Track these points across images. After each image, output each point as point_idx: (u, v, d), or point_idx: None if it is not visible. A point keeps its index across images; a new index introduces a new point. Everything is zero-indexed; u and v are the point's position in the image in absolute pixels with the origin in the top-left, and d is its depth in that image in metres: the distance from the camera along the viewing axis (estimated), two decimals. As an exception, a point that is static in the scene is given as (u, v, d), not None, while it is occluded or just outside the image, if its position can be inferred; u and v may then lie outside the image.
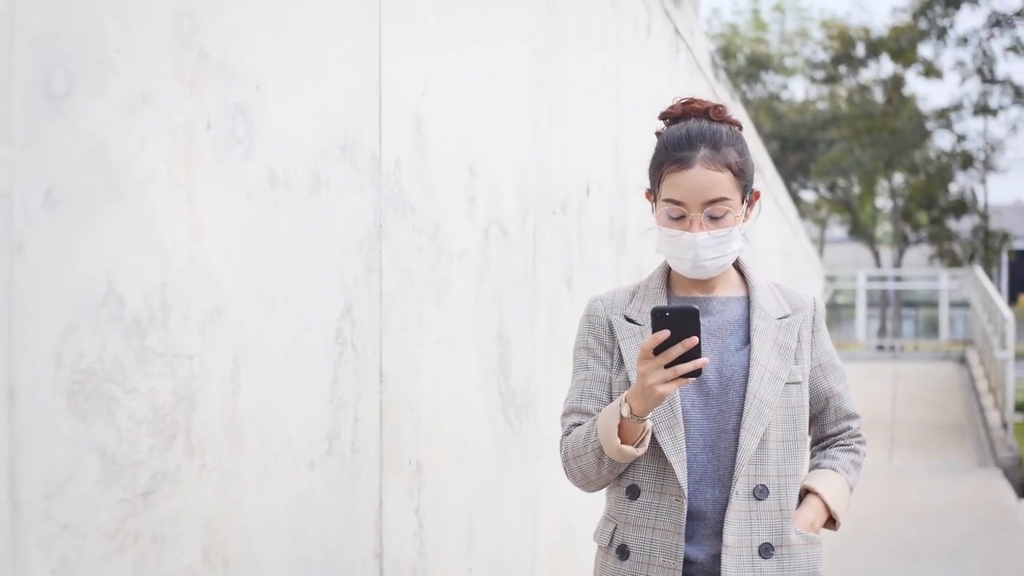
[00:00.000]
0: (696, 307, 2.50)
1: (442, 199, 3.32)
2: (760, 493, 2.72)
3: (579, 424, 2.80)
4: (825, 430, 2.96)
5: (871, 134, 38.19)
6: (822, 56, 42.70)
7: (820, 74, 42.88)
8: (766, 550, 2.71)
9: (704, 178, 2.68)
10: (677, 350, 2.48)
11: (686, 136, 2.72)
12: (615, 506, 2.82)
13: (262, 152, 2.40)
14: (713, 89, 8.61)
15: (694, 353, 2.49)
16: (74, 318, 1.87)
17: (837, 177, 42.07)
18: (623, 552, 2.77)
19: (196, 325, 2.18)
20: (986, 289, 22.93)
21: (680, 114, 2.80)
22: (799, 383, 2.79)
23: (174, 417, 2.12)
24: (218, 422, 2.26)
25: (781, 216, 16.44)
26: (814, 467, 2.96)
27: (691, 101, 2.81)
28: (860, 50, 40.40)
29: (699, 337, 2.48)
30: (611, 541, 2.81)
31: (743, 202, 2.77)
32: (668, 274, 2.87)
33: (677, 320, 2.48)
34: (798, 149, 41.44)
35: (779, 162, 34.75)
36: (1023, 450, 16.67)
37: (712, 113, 2.78)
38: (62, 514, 1.86)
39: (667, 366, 2.50)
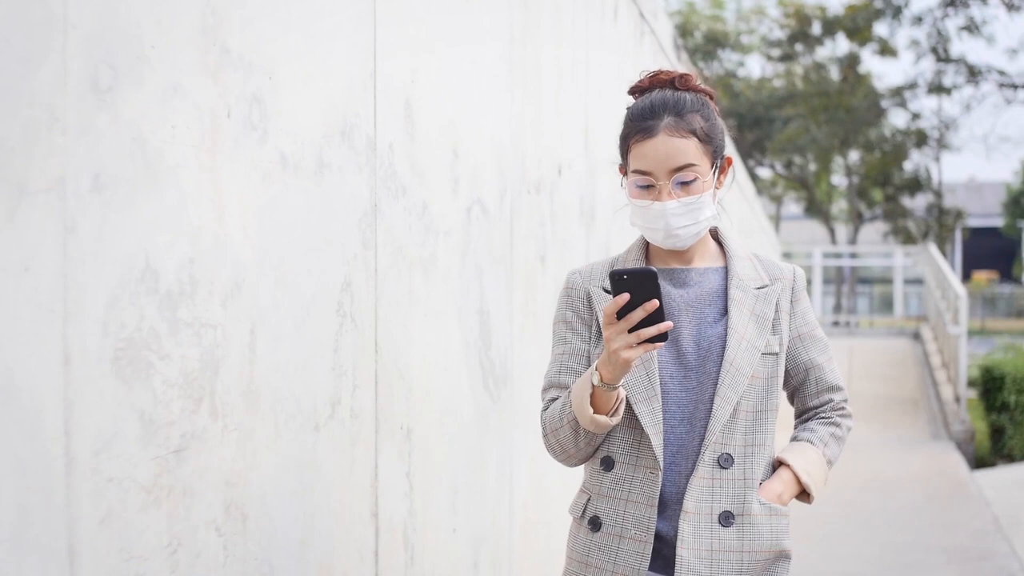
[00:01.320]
0: (654, 268, 2.45)
1: (429, 180, 3.52)
2: (725, 462, 2.69)
3: (557, 398, 2.79)
4: (807, 402, 2.93)
5: (827, 112, 38.58)
6: (778, 34, 43.05)
7: (776, 52, 43.22)
8: (726, 518, 2.69)
9: (668, 145, 2.65)
10: (638, 314, 2.44)
11: (649, 106, 2.70)
12: (590, 478, 2.81)
13: (274, 137, 2.59)
14: (675, 70, 8.80)
15: (658, 317, 2.45)
16: (117, 291, 2.06)
17: (793, 155, 42.50)
18: (595, 524, 2.76)
19: (219, 298, 2.38)
20: (939, 266, 23.27)
21: (647, 86, 2.79)
22: (775, 354, 2.77)
23: (200, 382, 2.32)
24: (237, 387, 2.45)
25: (740, 194, 16.67)
26: (792, 439, 2.92)
27: (657, 73, 2.80)
28: (816, 28, 40.81)
29: (660, 300, 2.44)
30: (584, 512, 2.80)
31: (713, 168, 2.73)
32: (647, 247, 2.85)
33: (636, 283, 2.44)
34: (754, 127, 41.77)
35: (736, 140, 35.04)
36: (976, 424, 17.03)
37: (678, 82, 2.76)
38: (108, 469, 2.05)
39: (631, 331, 2.47)
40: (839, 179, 47.27)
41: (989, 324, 42.52)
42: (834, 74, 41.33)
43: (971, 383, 18.43)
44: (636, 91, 2.81)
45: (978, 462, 15.51)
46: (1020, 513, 10.47)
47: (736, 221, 15.68)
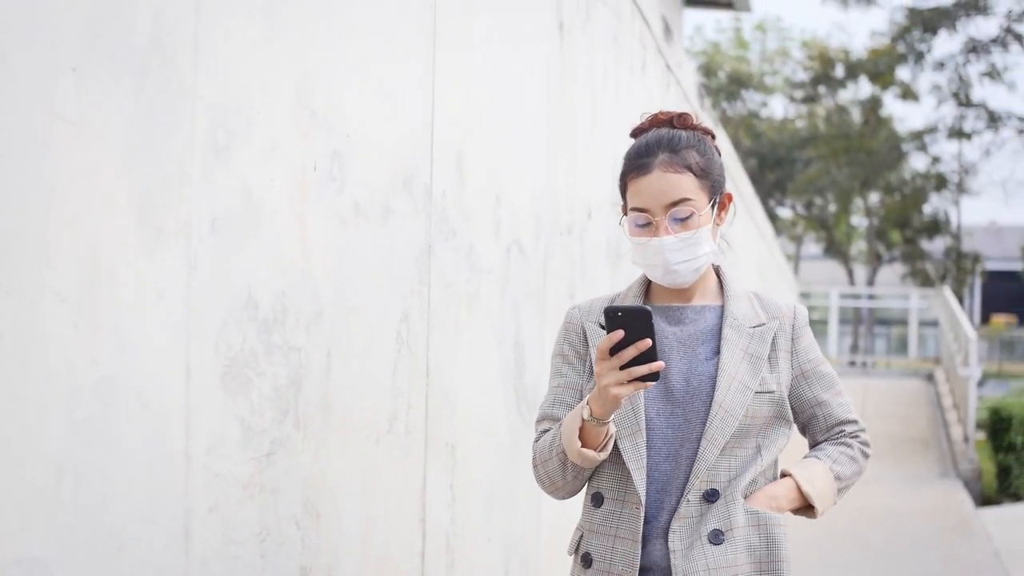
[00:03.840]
0: (648, 308, 2.46)
1: (475, 223, 3.92)
2: (711, 496, 2.67)
3: (549, 430, 2.79)
4: (816, 437, 2.89)
5: (848, 154, 38.95)
6: (802, 76, 43.45)
7: (799, 93, 43.60)
8: (716, 535, 2.65)
9: (663, 181, 2.65)
10: (630, 352, 2.44)
11: (645, 144, 2.72)
12: (583, 514, 2.81)
13: (350, 188, 2.99)
14: (698, 116, 9.22)
15: (651, 356, 2.46)
16: (226, 317, 2.47)
17: (813, 195, 42.80)
18: (587, 560, 2.75)
19: (303, 325, 2.78)
20: (952, 309, 23.61)
21: (647, 127, 2.79)
22: (771, 392, 2.73)
23: (287, 396, 2.72)
24: (316, 402, 2.85)
25: (758, 234, 17.05)
26: (802, 458, 2.88)
27: (657, 114, 2.81)
28: (839, 71, 41.21)
29: (653, 340, 2.45)
30: (577, 549, 2.80)
31: (711, 203, 2.72)
32: (648, 284, 2.85)
33: (630, 321, 2.45)
34: (776, 167, 42.13)
35: (757, 179, 35.37)
36: (984, 464, 17.34)
37: (676, 121, 2.76)
38: (216, 466, 2.45)
39: (623, 368, 2.47)
40: (859, 220, 47.57)
41: (1007, 368, 42.66)
42: (856, 117, 41.74)
43: (980, 425, 18.74)
44: (637, 132, 2.82)
45: (985, 500, 15.83)
46: (1020, 548, 10.86)
47: (754, 260, 16.05)
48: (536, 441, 2.82)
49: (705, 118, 9.72)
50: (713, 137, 2.82)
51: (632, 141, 2.83)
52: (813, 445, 2.90)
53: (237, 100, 2.50)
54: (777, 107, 61.11)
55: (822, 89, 42.25)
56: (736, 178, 13.16)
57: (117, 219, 2.13)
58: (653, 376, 2.48)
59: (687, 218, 2.66)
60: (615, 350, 2.46)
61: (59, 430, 1.99)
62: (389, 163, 3.24)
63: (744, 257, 14.03)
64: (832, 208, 44.80)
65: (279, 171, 2.66)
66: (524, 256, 4.46)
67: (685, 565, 2.64)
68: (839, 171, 38.96)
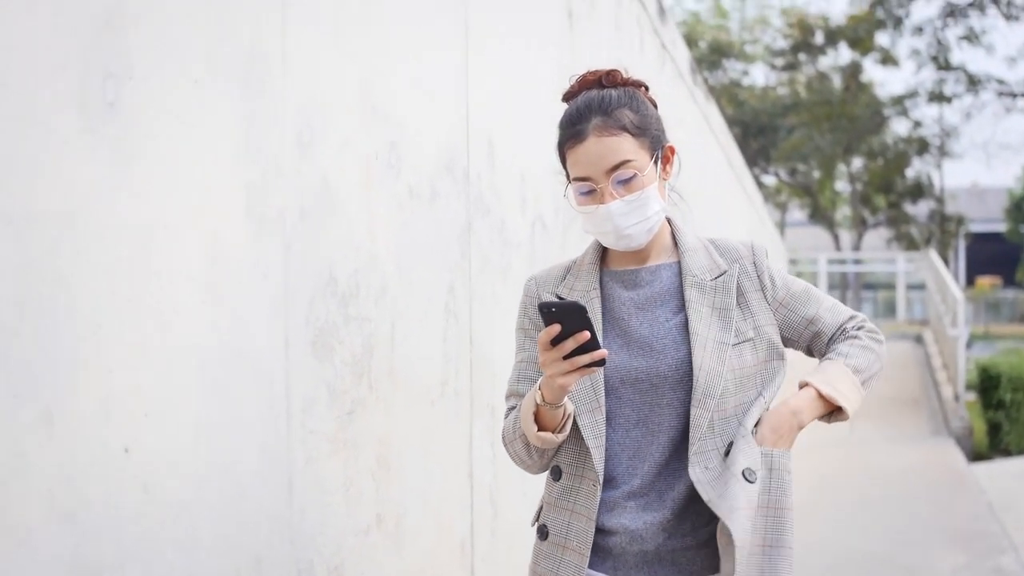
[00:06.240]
0: (582, 303, 2.43)
1: (505, 201, 4.26)
2: (728, 448, 2.61)
3: (515, 407, 2.76)
4: (824, 349, 2.82)
5: (830, 120, 39.24)
6: (782, 44, 43.67)
7: (780, 61, 43.83)
8: (751, 473, 2.56)
9: (599, 147, 2.58)
10: (570, 344, 2.39)
11: (576, 110, 2.65)
12: (545, 487, 2.79)
13: (405, 174, 3.33)
14: (691, 92, 9.57)
15: (593, 345, 2.40)
16: (313, 293, 2.80)
17: (797, 162, 43.12)
18: (543, 532, 2.72)
19: (372, 299, 3.12)
20: (939, 271, 23.99)
21: (578, 90, 2.73)
22: (751, 340, 2.67)
23: (362, 363, 3.06)
24: (384, 368, 3.19)
25: (748, 203, 17.38)
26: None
27: (585, 75, 2.74)
28: (819, 38, 41.44)
29: (591, 331, 2.39)
30: (537, 519, 2.78)
31: (653, 159, 2.64)
32: (604, 249, 2.80)
33: (565, 314, 2.39)
34: (759, 135, 42.37)
35: (741, 147, 35.63)
36: (975, 422, 17.74)
37: (605, 80, 2.70)
38: (310, 424, 2.79)
39: (566, 358, 2.41)
40: (843, 186, 47.94)
41: (993, 329, 43.04)
42: (837, 83, 42.03)
43: (970, 386, 19.11)
44: (569, 96, 2.75)
45: (976, 456, 16.20)
46: (1012, 499, 11.26)
47: (746, 229, 16.38)
48: (505, 418, 2.78)
49: (698, 94, 10.05)
50: (646, 89, 2.77)
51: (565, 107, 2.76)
52: (823, 354, 2.83)
53: (316, 101, 2.83)
54: (758, 75, 61.47)
55: (802, 56, 42.53)
56: (726, 147, 13.49)
57: (230, 209, 2.46)
58: (598, 363, 2.43)
59: (630, 179, 2.59)
60: (556, 341, 2.42)
61: (194, 394, 2.33)
62: (434, 150, 3.57)
63: (737, 227, 14.37)
64: (816, 174, 45.12)
65: (349, 162, 2.99)
66: (546, 230, 4.80)
67: (722, 503, 2.52)
68: (822, 137, 39.30)
